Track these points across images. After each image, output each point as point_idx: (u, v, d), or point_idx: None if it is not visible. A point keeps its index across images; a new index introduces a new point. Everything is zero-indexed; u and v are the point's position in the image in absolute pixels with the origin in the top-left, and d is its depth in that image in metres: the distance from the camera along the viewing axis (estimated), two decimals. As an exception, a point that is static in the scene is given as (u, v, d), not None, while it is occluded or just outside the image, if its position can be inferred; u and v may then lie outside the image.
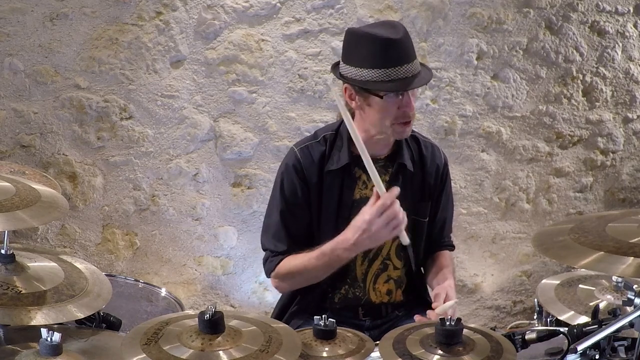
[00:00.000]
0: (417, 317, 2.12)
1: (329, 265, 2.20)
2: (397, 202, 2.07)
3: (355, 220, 2.11)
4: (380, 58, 2.13)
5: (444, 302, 2.14)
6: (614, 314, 1.75)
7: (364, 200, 2.28)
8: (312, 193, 2.28)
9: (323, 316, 1.70)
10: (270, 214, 2.36)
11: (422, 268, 2.46)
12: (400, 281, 2.38)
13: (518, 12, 3.43)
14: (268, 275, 2.36)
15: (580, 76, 3.57)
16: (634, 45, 3.60)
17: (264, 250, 2.37)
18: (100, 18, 3.12)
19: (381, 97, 2.16)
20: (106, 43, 3.14)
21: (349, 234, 2.12)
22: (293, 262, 2.27)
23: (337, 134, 2.32)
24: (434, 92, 3.43)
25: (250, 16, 3.22)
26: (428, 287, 2.43)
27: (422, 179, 2.35)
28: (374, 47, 2.13)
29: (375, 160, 2.28)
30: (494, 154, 3.58)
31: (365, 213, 2.08)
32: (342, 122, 2.34)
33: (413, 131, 2.41)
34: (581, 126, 3.64)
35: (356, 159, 2.28)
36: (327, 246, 2.17)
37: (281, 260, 2.30)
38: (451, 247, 2.52)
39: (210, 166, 3.33)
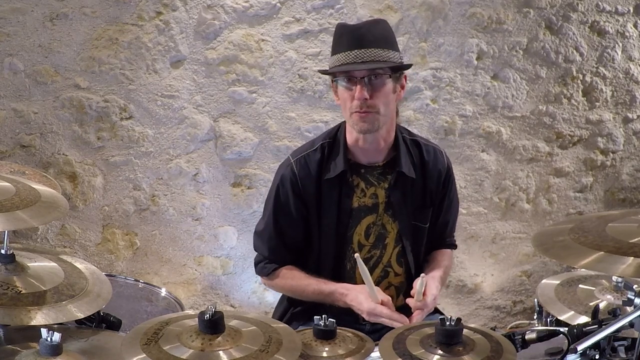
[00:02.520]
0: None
1: (322, 301, 2.26)
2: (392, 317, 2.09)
3: (358, 296, 2.13)
4: (336, 44, 2.19)
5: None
6: (614, 314, 1.75)
7: (363, 209, 2.28)
8: (309, 204, 2.28)
9: (323, 316, 1.70)
10: (263, 221, 2.37)
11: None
12: (401, 287, 2.37)
13: (518, 12, 3.43)
14: (259, 274, 2.41)
15: (580, 76, 3.57)
16: (634, 45, 3.60)
17: (256, 250, 2.40)
18: (100, 18, 3.12)
19: (337, 83, 2.19)
20: (106, 43, 3.14)
21: (349, 297, 2.16)
22: (290, 282, 2.32)
23: (334, 141, 2.30)
24: (434, 92, 3.43)
25: (250, 16, 3.22)
26: None
27: (423, 185, 2.33)
28: (335, 35, 2.20)
29: (372, 167, 2.28)
30: (494, 154, 3.58)
31: (365, 304, 2.11)
32: (339, 127, 2.33)
33: (415, 135, 2.39)
34: (581, 126, 3.64)
35: (352, 166, 2.27)
36: (326, 288, 2.22)
37: (276, 269, 2.34)
38: (453, 246, 2.51)
39: (210, 166, 3.33)
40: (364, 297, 2.12)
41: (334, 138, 2.30)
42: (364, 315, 2.13)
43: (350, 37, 2.14)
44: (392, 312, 2.09)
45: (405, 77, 2.25)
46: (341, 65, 2.13)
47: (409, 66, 2.24)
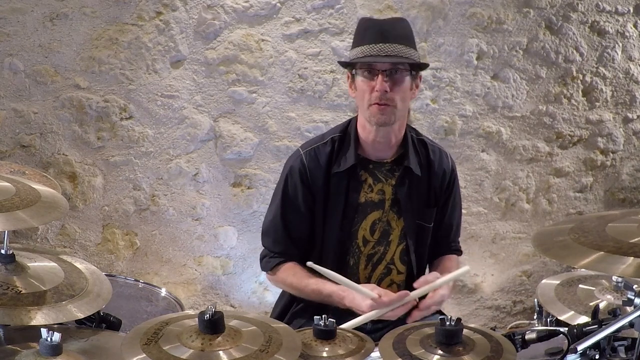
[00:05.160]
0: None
1: (319, 301, 2.25)
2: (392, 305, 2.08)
3: (356, 297, 2.11)
4: (359, 36, 2.22)
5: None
6: (614, 314, 1.75)
7: (370, 204, 2.29)
8: (316, 196, 2.29)
9: (323, 316, 1.69)
10: (271, 212, 2.38)
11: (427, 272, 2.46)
12: (402, 285, 2.37)
13: (518, 12, 3.43)
14: (263, 270, 2.41)
15: (580, 76, 3.57)
16: (634, 45, 3.60)
17: (263, 244, 2.41)
18: (100, 18, 3.12)
19: (355, 75, 2.21)
20: (106, 43, 3.14)
21: (347, 299, 2.14)
22: (290, 278, 2.31)
23: (344, 136, 2.32)
24: (434, 92, 3.43)
25: (250, 16, 3.22)
26: None
27: (429, 184, 2.35)
28: (359, 28, 2.24)
29: (381, 163, 2.29)
30: (494, 154, 3.58)
31: (362, 303, 2.09)
32: (349, 122, 2.35)
33: (422, 135, 2.41)
34: (581, 126, 3.64)
35: (362, 161, 2.29)
36: (325, 289, 2.20)
37: (280, 263, 2.33)
38: (458, 252, 2.52)
39: (210, 166, 3.33)
40: (361, 297, 2.12)
41: (345, 132, 2.32)
42: (363, 309, 2.11)
43: (375, 30, 2.18)
44: (390, 299, 2.08)
45: (420, 77, 2.28)
46: (365, 57, 2.16)
47: (426, 65, 2.29)
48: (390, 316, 2.10)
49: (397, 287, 2.35)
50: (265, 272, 2.42)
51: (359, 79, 2.21)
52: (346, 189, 2.28)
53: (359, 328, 2.17)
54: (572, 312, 2.10)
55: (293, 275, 2.30)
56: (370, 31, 2.18)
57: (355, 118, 2.32)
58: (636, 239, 1.62)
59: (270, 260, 2.36)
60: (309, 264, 2.09)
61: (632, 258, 1.54)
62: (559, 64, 3.53)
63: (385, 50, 2.13)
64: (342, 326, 1.82)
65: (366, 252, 2.32)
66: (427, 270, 2.48)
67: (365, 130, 2.27)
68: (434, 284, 2.14)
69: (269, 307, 3.34)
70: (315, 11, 3.25)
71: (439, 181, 2.36)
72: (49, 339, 1.55)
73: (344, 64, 2.31)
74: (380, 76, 2.15)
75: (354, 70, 2.23)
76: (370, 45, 2.15)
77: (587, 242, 1.65)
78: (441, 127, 3.46)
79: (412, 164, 2.28)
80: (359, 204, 2.29)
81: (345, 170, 2.27)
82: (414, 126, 2.46)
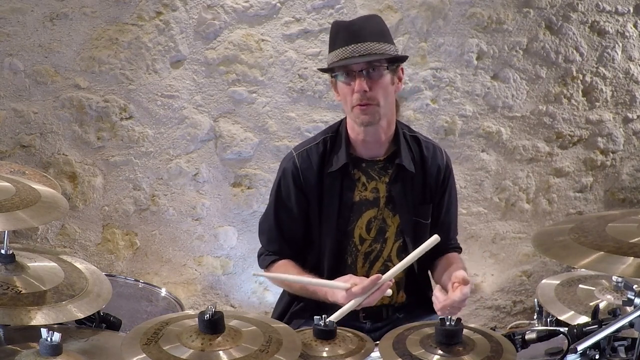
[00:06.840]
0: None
1: (309, 297, 2.27)
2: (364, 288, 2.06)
3: (335, 293, 2.12)
4: (332, 40, 2.23)
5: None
6: (614, 314, 1.75)
7: (364, 202, 2.30)
8: (310, 197, 2.30)
9: (323, 316, 1.69)
10: (267, 212, 2.42)
11: (429, 271, 2.45)
12: (401, 283, 2.38)
13: (518, 12, 3.43)
14: (260, 266, 2.45)
15: (580, 76, 3.57)
16: (634, 45, 3.60)
17: (260, 243, 2.45)
18: (100, 18, 3.12)
19: (336, 79, 2.22)
20: (106, 43, 3.14)
21: (328, 294, 2.15)
22: (284, 276, 2.32)
23: (336, 136, 2.32)
24: (434, 92, 3.43)
25: (250, 16, 3.22)
26: (439, 283, 2.39)
27: (423, 181, 2.35)
28: (332, 32, 2.24)
29: (374, 162, 2.30)
30: (494, 154, 3.58)
31: (338, 295, 2.10)
32: (341, 122, 2.35)
33: (415, 132, 2.41)
34: (581, 126, 3.64)
35: (354, 160, 2.29)
36: (311, 286, 2.22)
37: (275, 260, 2.37)
38: (458, 250, 2.52)
39: (210, 166, 3.33)
40: (337, 290, 2.12)
41: (336, 132, 2.34)
42: (342, 302, 2.10)
43: (346, 33, 2.18)
44: (363, 286, 2.06)
45: (402, 69, 2.28)
46: (339, 60, 2.17)
47: (404, 58, 2.29)
48: (369, 302, 2.08)
49: (395, 285, 2.35)
50: (263, 270, 2.45)
51: (340, 83, 2.22)
52: (340, 189, 2.29)
53: (358, 328, 2.18)
54: (572, 312, 2.10)
55: (284, 272, 2.33)
56: (342, 33, 2.19)
57: (346, 118, 2.33)
58: (636, 239, 1.62)
59: (266, 258, 2.40)
60: (254, 273, 2.12)
61: (632, 258, 1.54)
62: (559, 64, 3.53)
63: (358, 50, 2.14)
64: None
65: (363, 250, 2.32)
66: (429, 271, 2.48)
67: (354, 131, 2.28)
68: (403, 262, 2.11)
69: (269, 307, 3.34)
70: (315, 11, 3.25)
71: (433, 177, 2.36)
72: (49, 339, 1.55)
73: (323, 70, 2.32)
74: (357, 78, 2.16)
75: (333, 74, 2.24)
76: (344, 48, 2.16)
77: (587, 242, 1.65)
78: (441, 127, 3.46)
79: (404, 161, 2.29)
80: (354, 202, 2.30)
81: (338, 170, 2.28)
82: (413, 126, 2.46)
